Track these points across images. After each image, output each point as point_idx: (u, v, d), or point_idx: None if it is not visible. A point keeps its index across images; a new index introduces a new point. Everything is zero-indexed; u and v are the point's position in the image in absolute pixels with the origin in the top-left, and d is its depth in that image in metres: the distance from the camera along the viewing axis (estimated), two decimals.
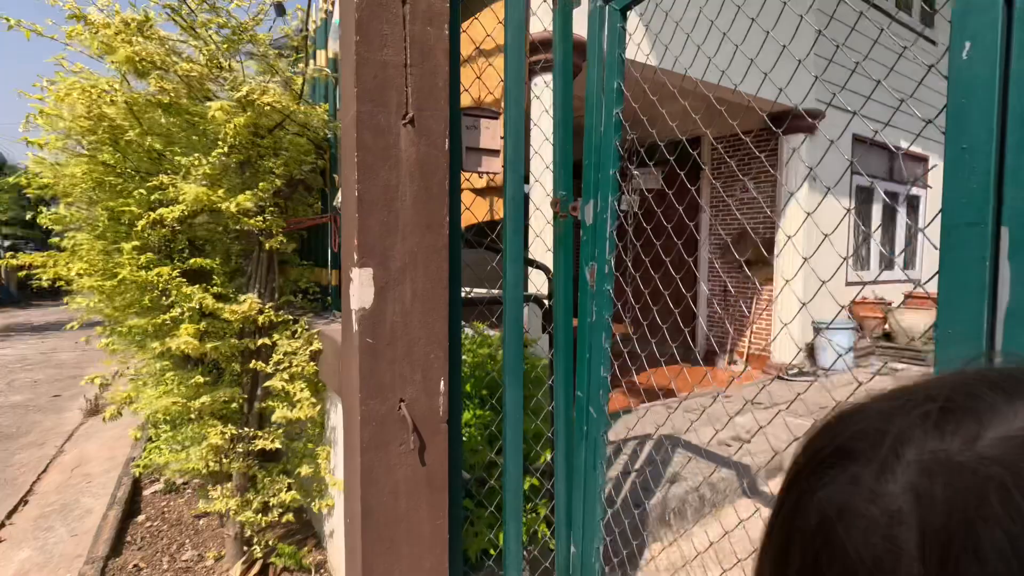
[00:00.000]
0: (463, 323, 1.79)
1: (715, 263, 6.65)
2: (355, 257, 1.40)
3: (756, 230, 6.97)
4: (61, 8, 1.67)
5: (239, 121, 1.64)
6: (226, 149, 1.67)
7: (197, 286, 1.77)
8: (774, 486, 3.04)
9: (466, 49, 2.84)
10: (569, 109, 1.70)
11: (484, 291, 2.79)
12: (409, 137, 1.41)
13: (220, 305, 1.82)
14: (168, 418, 2.30)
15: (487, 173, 1.63)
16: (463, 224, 2.72)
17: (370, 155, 1.38)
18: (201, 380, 1.88)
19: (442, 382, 1.50)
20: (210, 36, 1.77)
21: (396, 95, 1.39)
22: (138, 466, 2.52)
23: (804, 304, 1.15)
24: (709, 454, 3.23)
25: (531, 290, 2.43)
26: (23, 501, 4.30)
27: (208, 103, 1.74)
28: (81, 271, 1.65)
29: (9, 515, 4.01)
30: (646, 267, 1.61)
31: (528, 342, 2.85)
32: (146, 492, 3.97)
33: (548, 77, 3.78)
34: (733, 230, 7.14)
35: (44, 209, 1.84)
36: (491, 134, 1.61)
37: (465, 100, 1.82)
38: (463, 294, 1.60)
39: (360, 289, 1.40)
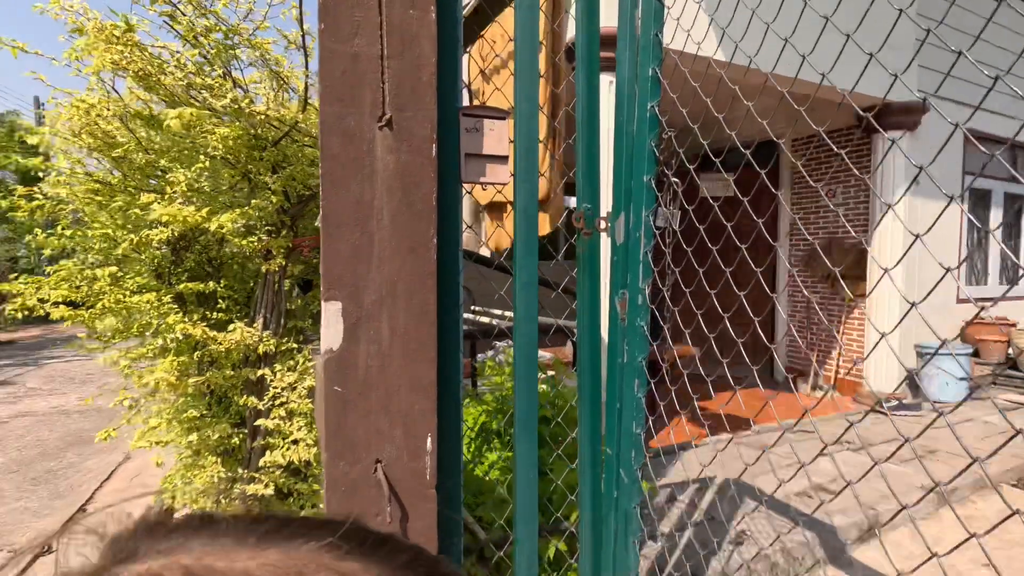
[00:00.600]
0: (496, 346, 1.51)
1: (796, 276, 6.03)
2: (322, 289, 1.17)
3: (844, 240, 6.26)
4: (61, 22, 1.59)
5: (222, 132, 1.48)
6: (206, 164, 1.51)
7: (180, 315, 1.62)
8: (867, 556, 2.52)
9: (502, 47, 2.61)
10: (594, 104, 1.41)
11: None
12: (386, 143, 1.17)
13: (213, 334, 1.66)
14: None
15: (491, 184, 1.37)
16: (500, 245, 2.47)
17: (337, 165, 1.15)
18: (195, 414, 1.73)
19: (429, 439, 1.24)
20: (207, 42, 1.64)
21: (370, 93, 1.16)
22: (160, 493, 2.44)
23: (908, 312, 0.79)
24: (783, 507, 2.76)
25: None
26: (81, 509, 4.42)
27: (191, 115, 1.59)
28: (60, 299, 1.54)
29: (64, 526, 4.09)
30: (712, 279, 1.28)
31: (567, 374, 2.54)
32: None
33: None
34: (817, 240, 6.46)
35: (39, 232, 1.77)
36: (497, 137, 1.35)
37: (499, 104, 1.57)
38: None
39: (328, 327, 1.16)
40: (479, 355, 2.93)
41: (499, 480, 2.13)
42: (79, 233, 1.75)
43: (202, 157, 1.57)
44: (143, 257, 1.80)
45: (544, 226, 2.19)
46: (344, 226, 1.17)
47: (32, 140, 1.68)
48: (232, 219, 1.55)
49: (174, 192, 1.58)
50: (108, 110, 1.55)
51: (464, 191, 1.46)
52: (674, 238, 1.24)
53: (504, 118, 1.40)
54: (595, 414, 1.48)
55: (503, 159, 1.41)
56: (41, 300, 1.56)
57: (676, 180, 1.21)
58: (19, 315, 1.61)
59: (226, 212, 1.57)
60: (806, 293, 6.37)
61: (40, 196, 1.77)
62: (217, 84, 1.65)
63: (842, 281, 5.80)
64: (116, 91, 1.61)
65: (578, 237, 1.48)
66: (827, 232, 6.45)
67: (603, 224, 1.44)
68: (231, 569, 0.23)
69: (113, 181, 1.79)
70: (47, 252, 1.82)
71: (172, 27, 1.70)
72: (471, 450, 2.33)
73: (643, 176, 1.31)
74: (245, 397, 1.74)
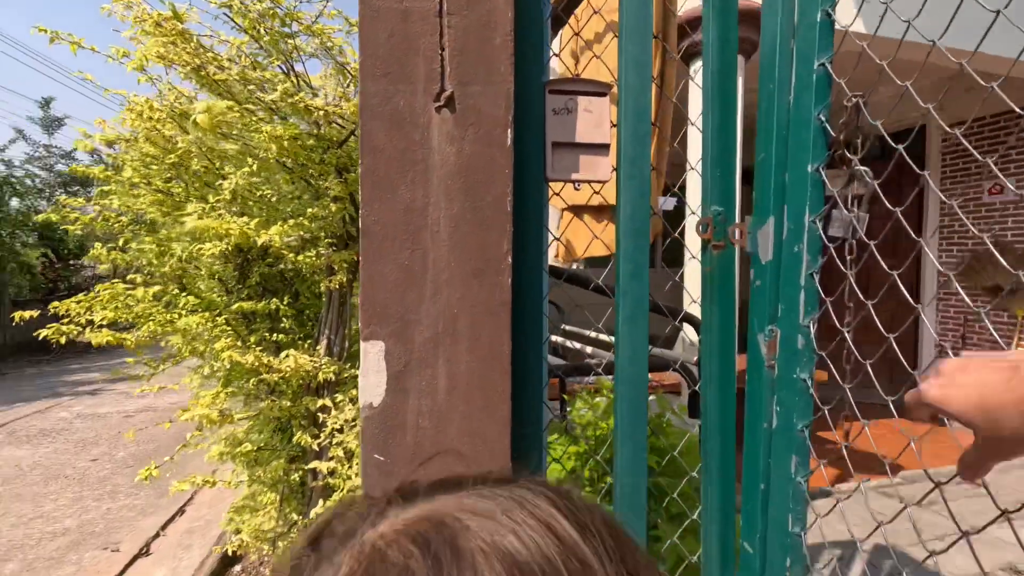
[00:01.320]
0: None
1: (949, 284, 5.08)
2: (361, 324, 0.89)
3: (1013, 245, 5.20)
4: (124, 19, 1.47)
5: (269, 130, 1.27)
6: (254, 168, 1.31)
7: (233, 338, 1.44)
8: None
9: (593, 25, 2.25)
10: (730, 60, 1.03)
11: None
12: (446, 129, 0.87)
13: (267, 360, 1.46)
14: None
15: (586, 182, 1.03)
16: (586, 252, 2.12)
17: (381, 161, 0.87)
18: (250, 448, 1.55)
19: None
20: (262, 30, 1.45)
21: (425, 63, 0.87)
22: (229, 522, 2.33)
23: None
24: None
25: (680, 346, 1.73)
26: (180, 511, 4.56)
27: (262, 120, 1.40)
28: (106, 320, 1.42)
29: (164, 526, 4.22)
30: (829, 282, 0.86)
31: (675, 409, 2.12)
32: None
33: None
34: (976, 243, 5.42)
35: (99, 246, 1.68)
36: (595, 119, 1.01)
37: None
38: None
39: (367, 375, 0.88)
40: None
41: None
42: (141, 247, 1.66)
43: (250, 160, 1.39)
44: (202, 273, 1.67)
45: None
46: (389, 241, 0.89)
47: (81, 147, 1.60)
48: (282, 231, 1.35)
49: (217, 202, 1.41)
50: (159, 110, 1.41)
51: (550, 192, 1.13)
52: (859, 254, 0.82)
53: (605, 94, 1.06)
54: (725, 495, 1.09)
55: (603, 148, 1.06)
56: (89, 322, 1.46)
57: (865, 170, 0.80)
58: (62, 340, 1.53)
59: (277, 224, 1.37)
60: (969, 303, 5.33)
61: (98, 208, 1.69)
62: (269, 77, 1.47)
63: (1013, 295, 4.79)
64: (163, 88, 1.48)
65: (704, 252, 1.09)
66: (989, 234, 5.40)
67: (739, 234, 1.04)
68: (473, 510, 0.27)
69: (177, 191, 1.68)
70: (102, 268, 1.74)
71: (232, 19, 1.54)
72: None
73: (806, 165, 0.91)
74: (300, 433, 1.54)
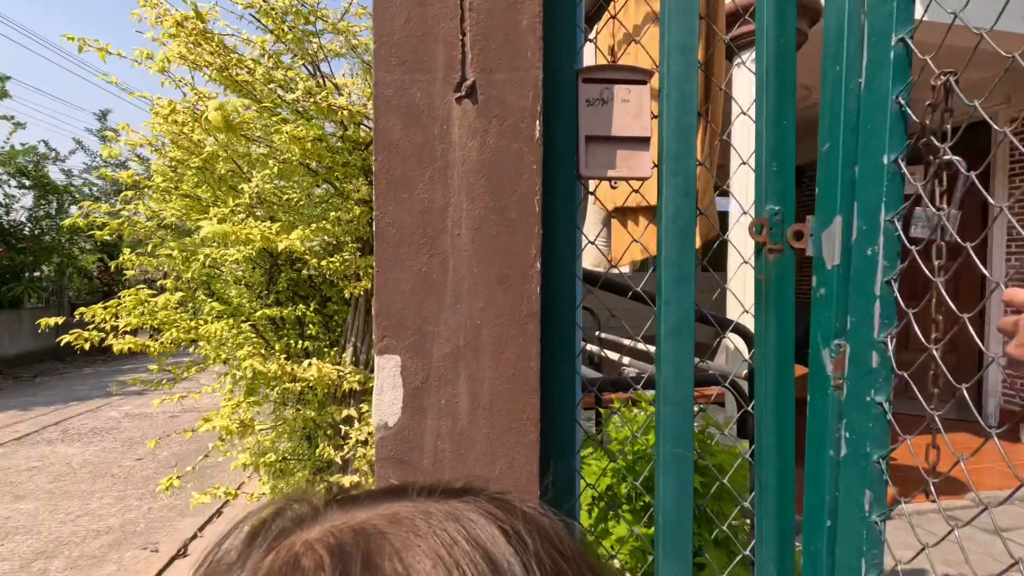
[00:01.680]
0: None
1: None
2: (375, 336, 0.82)
3: None
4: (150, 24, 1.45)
5: (289, 130, 1.22)
6: (274, 170, 1.26)
7: (257, 346, 1.39)
8: None
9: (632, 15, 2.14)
10: (789, 51, 0.91)
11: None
12: (467, 122, 0.79)
13: (291, 369, 1.42)
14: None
15: (624, 179, 0.93)
16: (624, 259, 2.00)
17: (397, 157, 0.79)
18: (273, 458, 1.51)
19: None
20: (284, 28, 1.41)
21: (444, 49, 0.79)
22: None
23: None
24: None
25: (723, 359, 1.61)
26: (218, 513, 4.62)
27: (280, 118, 1.36)
28: (130, 326, 1.40)
29: (202, 528, 4.28)
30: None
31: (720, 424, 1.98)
32: None
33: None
34: None
35: (127, 251, 1.68)
36: (634, 110, 0.91)
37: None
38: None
39: (381, 392, 0.81)
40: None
41: (628, 566, 1.65)
42: (165, 251, 1.65)
43: (271, 163, 1.34)
44: (228, 279, 1.65)
45: (708, 232, 1.67)
46: (405, 245, 0.81)
47: (105, 153, 1.60)
48: (303, 236, 1.30)
49: (237, 205, 1.38)
50: (181, 112, 1.39)
51: (585, 191, 1.03)
52: (948, 258, 0.69)
53: (645, 82, 0.96)
54: (785, 531, 0.96)
55: (643, 142, 0.96)
56: (114, 328, 1.45)
57: (959, 160, 0.68)
58: (85, 346, 1.52)
59: (297, 228, 1.32)
60: None
61: (126, 213, 1.69)
62: (292, 76, 1.42)
63: None
64: (187, 90, 1.46)
65: (758, 257, 0.98)
66: None
67: (801, 235, 0.92)
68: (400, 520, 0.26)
69: (205, 195, 1.66)
70: (129, 273, 1.73)
71: (257, 19, 1.51)
72: (592, 516, 1.88)
73: (882, 156, 0.79)
74: (324, 445, 1.48)
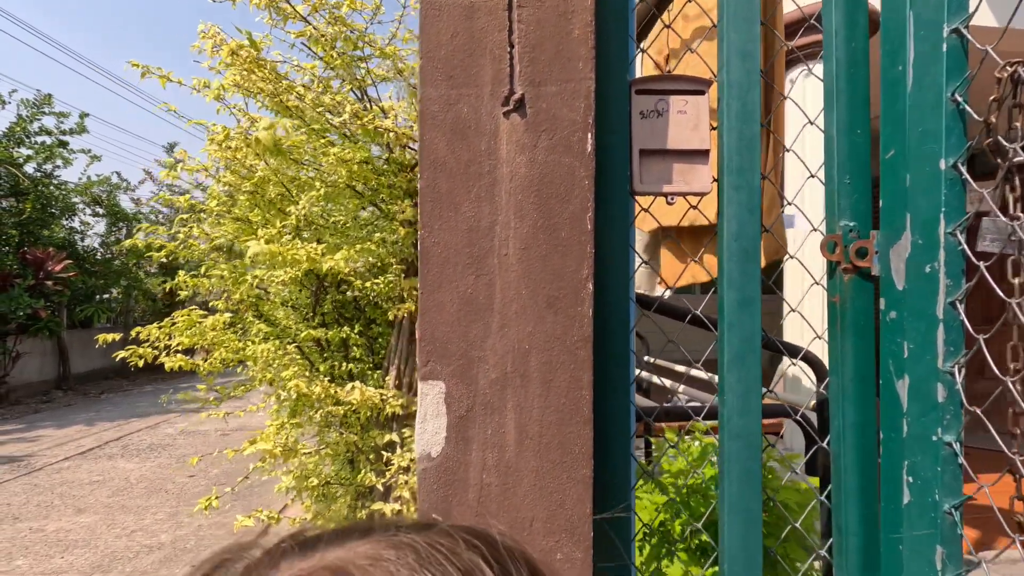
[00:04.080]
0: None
1: None
2: (419, 361, 0.78)
3: None
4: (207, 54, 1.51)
5: (337, 152, 1.22)
6: (321, 192, 1.27)
7: (302, 367, 1.39)
8: None
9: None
10: (861, 56, 0.85)
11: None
12: (515, 137, 0.75)
13: (334, 391, 1.40)
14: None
15: (682, 195, 0.87)
16: (680, 280, 1.92)
17: (443, 174, 0.76)
18: (315, 483, 1.48)
19: None
20: (333, 54, 1.43)
21: (492, 63, 0.76)
22: None
23: None
24: None
25: (785, 388, 1.50)
26: (265, 531, 4.65)
27: (329, 142, 1.37)
28: (182, 346, 1.42)
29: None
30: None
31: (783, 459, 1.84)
32: None
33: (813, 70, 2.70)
34: None
35: (181, 274, 1.72)
36: (691, 122, 0.86)
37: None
38: None
39: (424, 421, 0.77)
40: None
41: None
42: (217, 272, 1.69)
43: (318, 184, 1.35)
44: (275, 300, 1.66)
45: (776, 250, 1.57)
46: (451, 266, 0.77)
47: (164, 176, 1.66)
48: (348, 256, 1.29)
49: (283, 227, 1.39)
50: (234, 137, 1.42)
51: (638, 208, 0.97)
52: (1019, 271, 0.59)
53: (703, 92, 0.90)
54: None
55: (701, 155, 0.90)
56: (167, 347, 1.49)
57: None
58: (139, 363, 1.55)
59: (342, 249, 1.32)
60: None
61: (182, 236, 1.75)
62: (340, 100, 1.44)
63: None
64: (239, 116, 1.50)
65: (831, 277, 0.89)
66: None
67: (864, 253, 0.84)
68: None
69: (255, 219, 1.69)
70: (183, 295, 1.78)
71: (309, 47, 1.54)
72: (642, 554, 1.77)
73: (938, 160, 0.70)
74: (365, 471, 1.45)
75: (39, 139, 9.58)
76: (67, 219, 10.50)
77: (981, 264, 0.74)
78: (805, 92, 3.27)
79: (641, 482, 2.00)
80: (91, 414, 8.45)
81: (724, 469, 0.89)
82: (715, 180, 0.91)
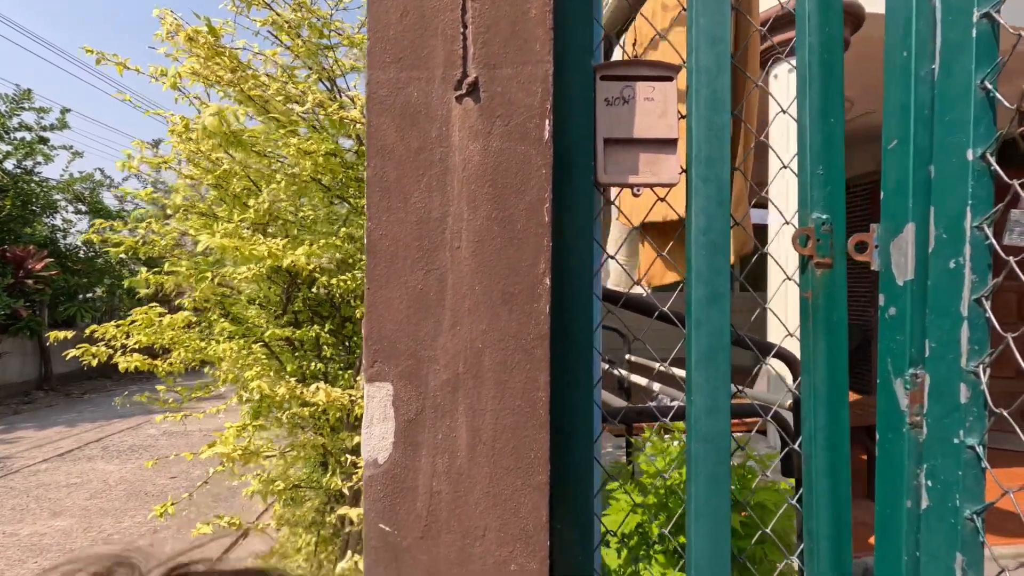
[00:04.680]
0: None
1: None
2: (365, 361, 0.73)
3: None
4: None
5: (298, 144, 1.17)
6: (281, 185, 1.21)
7: (266, 366, 1.33)
8: None
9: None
10: (834, 41, 0.81)
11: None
12: (469, 123, 0.71)
13: (299, 392, 1.35)
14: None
15: (648, 186, 0.82)
16: (656, 279, 1.88)
17: (391, 163, 0.71)
18: (281, 486, 1.43)
19: None
20: (298, 41, 1.38)
21: (444, 45, 0.71)
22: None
23: None
24: None
25: (764, 386, 1.46)
26: (244, 535, 4.57)
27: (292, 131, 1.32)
28: (140, 344, 1.36)
29: (228, 549, 4.24)
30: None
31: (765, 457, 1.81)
32: None
33: (787, 67, 2.66)
34: None
35: (144, 270, 1.66)
36: (658, 110, 0.82)
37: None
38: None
39: (371, 424, 0.72)
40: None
41: None
42: (175, 268, 1.63)
43: (279, 177, 1.30)
44: (241, 298, 1.61)
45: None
46: (400, 260, 0.72)
47: (119, 167, 1.59)
48: (309, 252, 1.23)
49: (241, 221, 1.33)
50: (195, 129, 1.36)
51: (606, 202, 0.93)
52: None
53: (671, 78, 0.86)
54: None
55: (669, 145, 0.86)
56: (124, 346, 1.43)
57: None
58: (93, 362, 1.50)
59: (303, 244, 1.26)
60: None
61: (143, 231, 1.69)
62: (303, 88, 1.39)
63: None
64: (197, 106, 1.44)
65: (803, 272, 0.85)
66: None
67: (864, 247, 0.80)
68: None
69: (222, 213, 1.63)
70: (143, 292, 1.71)
71: (275, 36, 1.49)
72: (620, 558, 1.73)
73: (965, 151, 0.67)
74: (330, 475, 1.40)
75: (18, 135, 9.39)
76: (48, 216, 10.30)
77: (1011, 259, 0.69)
78: (790, 87, 3.25)
79: (618, 484, 1.96)
80: (72, 415, 8.29)
81: (692, 471, 0.85)
82: (684, 171, 0.87)
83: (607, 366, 2.57)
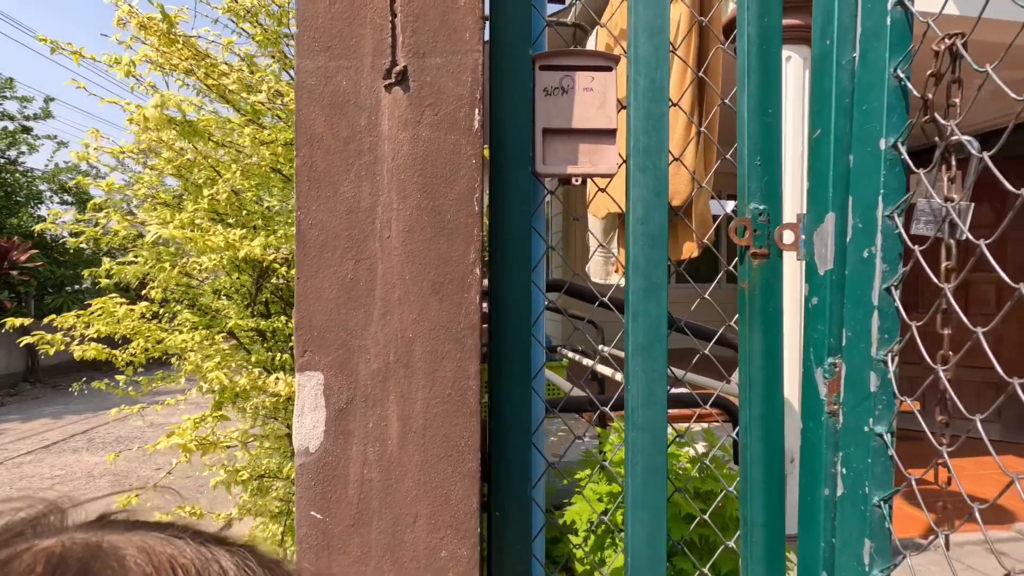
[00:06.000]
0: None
1: None
2: (296, 350, 0.74)
3: None
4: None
5: (253, 134, 1.16)
6: (236, 175, 1.20)
7: (227, 357, 1.33)
8: None
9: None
10: (773, 32, 0.81)
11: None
12: (398, 112, 0.70)
13: (261, 382, 1.35)
14: None
15: (587, 176, 0.83)
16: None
17: (320, 152, 0.71)
18: (246, 476, 1.43)
19: None
20: (253, 28, 1.37)
21: (372, 33, 0.70)
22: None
23: None
24: None
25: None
26: (228, 525, 4.57)
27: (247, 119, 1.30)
28: (98, 334, 1.35)
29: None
30: (927, 294, 0.61)
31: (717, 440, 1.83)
32: None
33: None
34: None
35: (108, 260, 1.65)
36: (597, 100, 0.82)
37: None
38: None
39: (302, 414, 0.72)
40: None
41: None
42: (137, 258, 1.62)
43: (234, 167, 1.29)
44: (205, 288, 1.60)
45: (682, 248, 1.55)
46: (329, 250, 0.72)
47: (73, 156, 1.57)
48: (266, 243, 1.23)
49: (195, 211, 1.33)
50: (150, 118, 1.35)
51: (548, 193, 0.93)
52: (959, 258, 0.55)
53: (611, 68, 0.86)
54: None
55: (608, 135, 0.86)
56: (82, 337, 1.43)
57: (969, 139, 0.56)
58: (50, 352, 1.49)
59: (260, 235, 1.26)
60: None
61: (104, 221, 1.67)
62: (259, 77, 1.37)
63: None
64: (157, 96, 1.42)
65: (740, 260, 0.86)
66: None
67: (789, 237, 0.80)
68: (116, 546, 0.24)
69: (187, 204, 1.62)
70: (104, 283, 1.70)
71: (236, 24, 1.47)
72: (588, 544, 1.75)
73: (878, 140, 0.67)
74: (291, 465, 1.40)
75: (0, 124, 9.26)
76: (33, 207, 10.18)
77: (916, 248, 0.70)
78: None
79: (589, 471, 1.98)
80: (59, 407, 8.25)
81: (629, 462, 0.86)
82: (623, 161, 0.87)
83: (578, 355, 2.57)
